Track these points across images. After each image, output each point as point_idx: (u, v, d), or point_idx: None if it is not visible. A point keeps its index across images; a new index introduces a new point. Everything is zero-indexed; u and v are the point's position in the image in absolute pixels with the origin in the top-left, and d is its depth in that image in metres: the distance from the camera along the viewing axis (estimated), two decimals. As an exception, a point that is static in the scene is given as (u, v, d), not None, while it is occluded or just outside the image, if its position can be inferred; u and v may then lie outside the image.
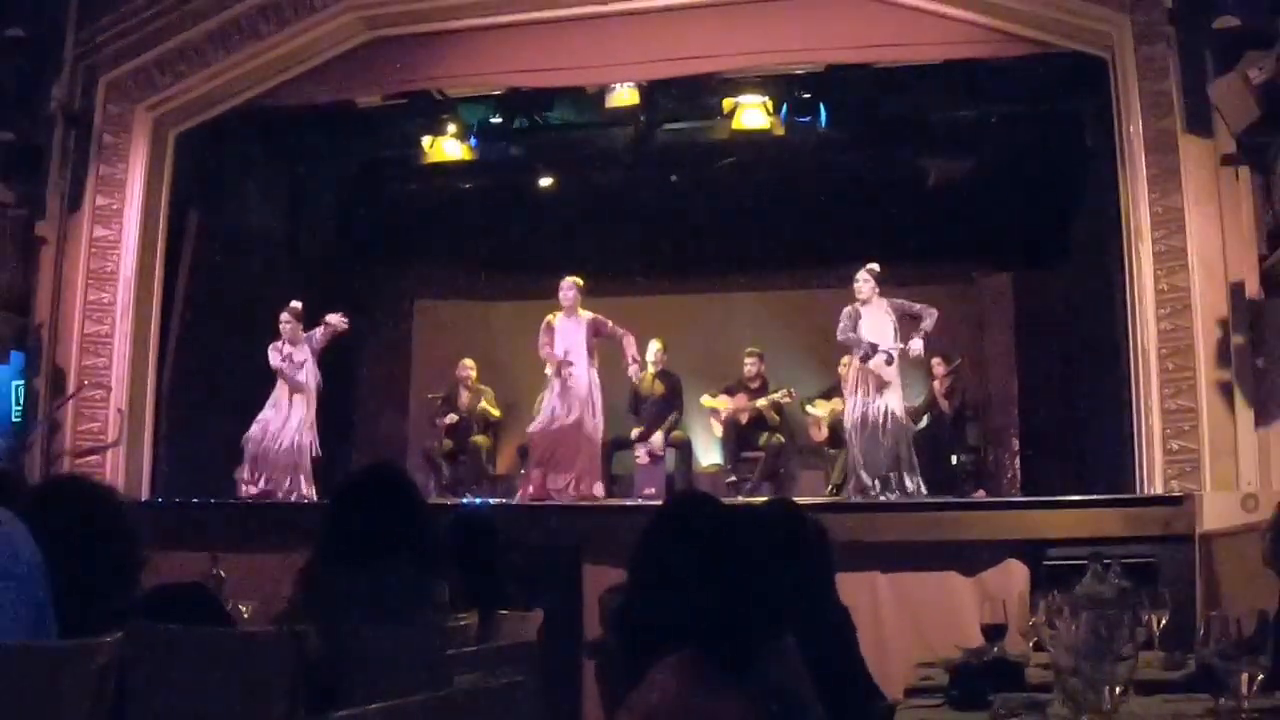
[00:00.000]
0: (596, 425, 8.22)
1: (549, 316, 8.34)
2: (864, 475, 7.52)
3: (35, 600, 2.17)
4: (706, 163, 10.25)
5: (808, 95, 9.16)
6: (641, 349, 9.25)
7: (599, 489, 8.18)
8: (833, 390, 9.23)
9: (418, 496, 3.09)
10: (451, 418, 9.61)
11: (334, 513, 3.02)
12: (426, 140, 9.86)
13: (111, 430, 8.00)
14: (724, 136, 9.72)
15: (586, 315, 8.28)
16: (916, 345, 7.69)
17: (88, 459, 7.86)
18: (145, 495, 8.10)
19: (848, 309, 7.77)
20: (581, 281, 8.40)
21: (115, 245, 8.18)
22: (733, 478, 9.01)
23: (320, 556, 2.94)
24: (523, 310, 10.78)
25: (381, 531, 2.90)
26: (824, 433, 9.14)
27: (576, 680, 5.52)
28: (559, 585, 6.05)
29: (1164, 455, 6.55)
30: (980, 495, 8.60)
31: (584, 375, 8.14)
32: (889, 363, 7.60)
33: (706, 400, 9.48)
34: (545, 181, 10.71)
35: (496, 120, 9.83)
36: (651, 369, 9.21)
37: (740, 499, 7.88)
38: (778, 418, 9.11)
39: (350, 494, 3.09)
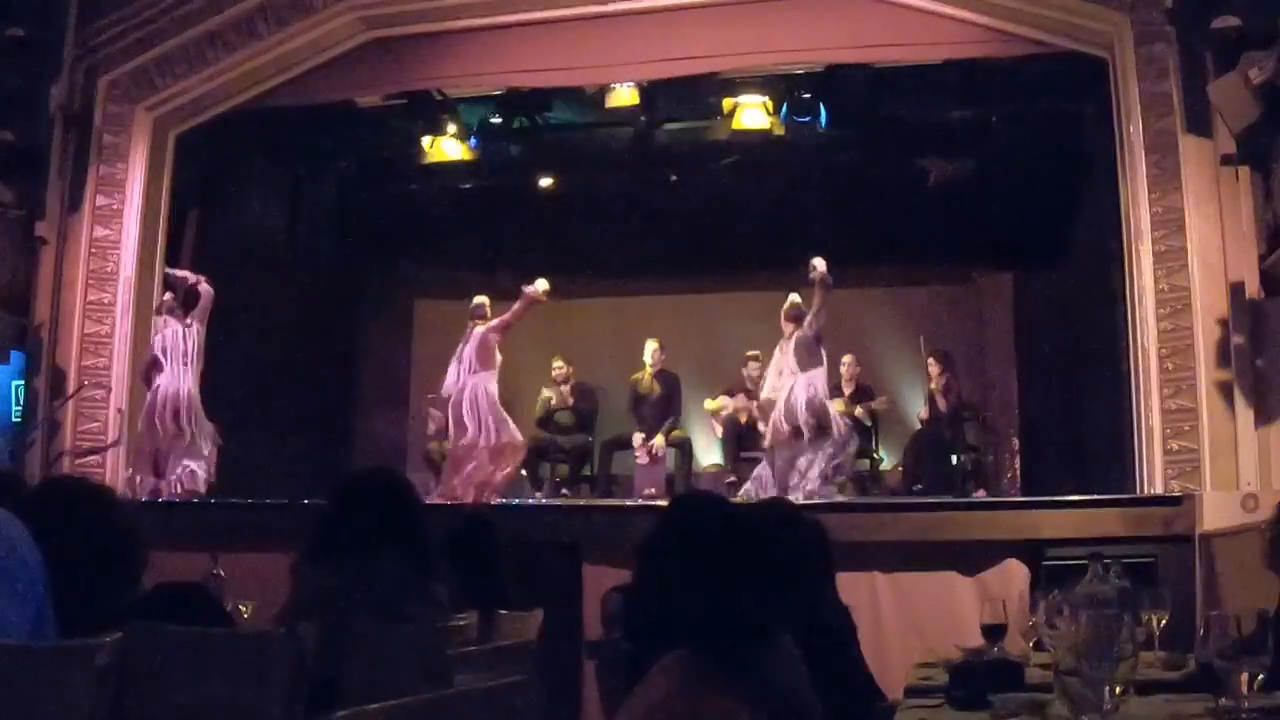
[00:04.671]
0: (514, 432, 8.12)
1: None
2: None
3: (35, 600, 2.17)
4: (706, 163, 10.25)
5: (808, 95, 9.17)
6: (639, 349, 9.26)
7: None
8: (833, 390, 9.24)
9: (413, 497, 3.10)
10: (438, 418, 9.57)
11: (329, 510, 3.04)
12: (426, 140, 9.86)
13: (111, 430, 8.01)
14: (724, 136, 9.72)
15: (479, 329, 8.20)
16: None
17: (88, 459, 7.86)
18: (145, 495, 8.10)
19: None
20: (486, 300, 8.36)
21: (115, 245, 8.18)
22: (733, 478, 9.00)
23: (312, 553, 2.95)
24: (523, 310, 10.79)
25: (374, 529, 2.92)
26: (824, 432, 9.13)
27: (576, 680, 5.52)
28: (559, 585, 6.05)
29: (1164, 455, 6.55)
30: (980, 495, 8.59)
31: (474, 387, 8.05)
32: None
33: (710, 405, 9.47)
34: (545, 181, 10.71)
35: (496, 120, 9.83)
36: (650, 369, 9.21)
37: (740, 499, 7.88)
38: (776, 418, 9.11)
39: (346, 492, 3.10)
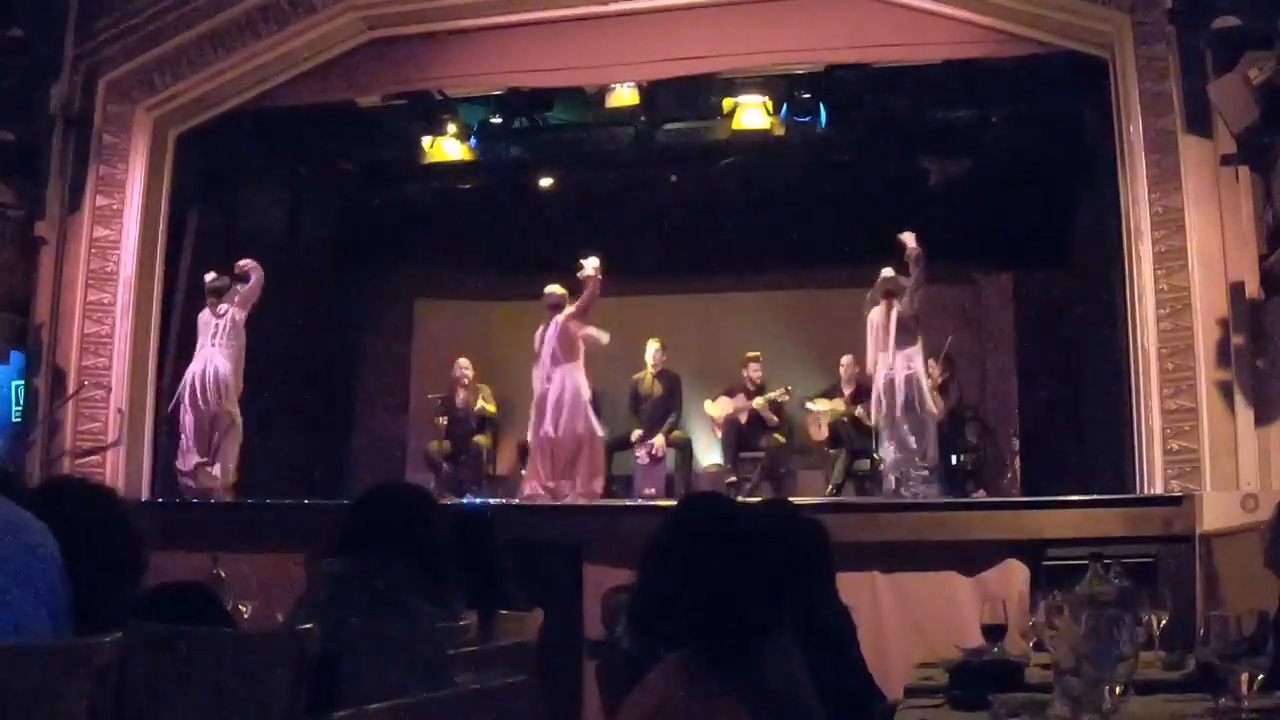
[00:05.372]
0: (592, 427, 8.18)
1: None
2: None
3: (55, 606, 2.17)
4: (706, 163, 10.25)
5: (808, 95, 9.16)
6: (640, 349, 9.26)
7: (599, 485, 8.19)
8: (833, 390, 9.24)
9: (436, 513, 3.21)
10: (442, 420, 9.59)
11: (351, 510, 3.14)
12: (426, 140, 9.86)
13: (111, 430, 8.01)
14: (724, 136, 9.73)
15: (558, 319, 8.23)
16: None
17: (88, 459, 7.86)
18: (145, 495, 8.10)
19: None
20: (560, 289, 8.36)
21: (115, 245, 8.18)
22: (733, 478, 9.01)
23: (328, 550, 3.04)
24: (523, 310, 10.75)
25: (391, 532, 2.99)
26: (824, 432, 9.14)
27: (576, 680, 5.53)
28: (559, 585, 6.06)
29: (1164, 455, 6.56)
30: (980, 495, 8.60)
31: (561, 379, 8.10)
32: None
33: (710, 407, 9.48)
34: (545, 181, 10.71)
35: (496, 120, 9.83)
36: (651, 369, 9.21)
37: (740, 499, 7.88)
38: (775, 418, 9.11)
39: (371, 496, 3.22)
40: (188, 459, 8.03)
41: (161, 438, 8.43)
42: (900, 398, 7.68)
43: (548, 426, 7.99)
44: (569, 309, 8.19)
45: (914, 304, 7.86)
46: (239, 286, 8.28)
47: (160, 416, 8.41)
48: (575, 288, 8.34)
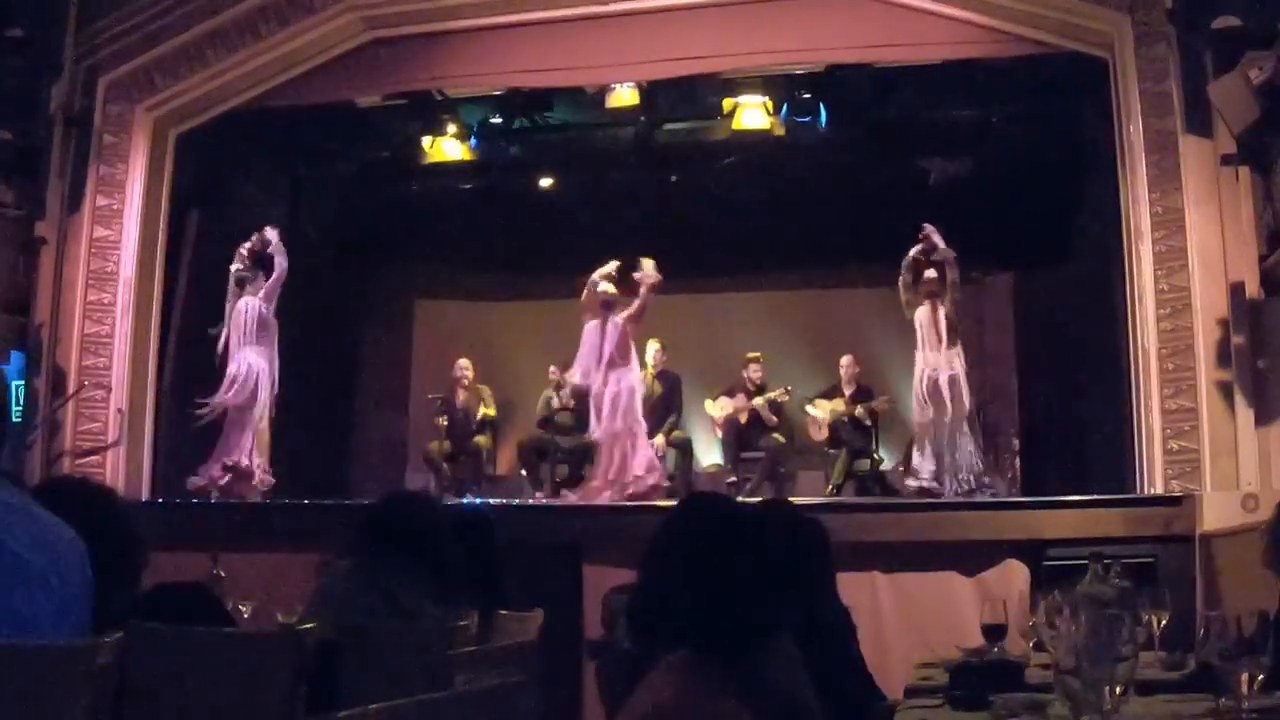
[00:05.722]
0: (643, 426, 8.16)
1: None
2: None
3: (74, 611, 2.16)
4: (706, 163, 10.25)
5: (808, 95, 9.17)
6: (640, 349, 9.26)
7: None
8: (833, 390, 9.24)
9: (440, 511, 3.26)
10: (442, 421, 9.58)
11: (366, 514, 3.21)
12: (426, 140, 9.87)
13: (111, 430, 8.01)
14: (724, 136, 9.73)
15: (616, 320, 8.13)
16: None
17: (88, 459, 7.87)
18: (145, 495, 8.10)
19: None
20: (613, 289, 8.25)
21: (115, 245, 8.18)
22: (733, 478, 9.01)
23: (339, 552, 3.12)
24: (523, 310, 10.79)
25: (402, 537, 3.04)
26: (824, 433, 9.14)
27: (576, 680, 5.53)
28: (559, 585, 6.06)
29: (1164, 455, 6.56)
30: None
31: (618, 381, 8.08)
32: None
33: (710, 407, 9.47)
34: (545, 181, 10.71)
35: (496, 120, 9.83)
36: (651, 369, 9.20)
37: (740, 499, 7.87)
38: (775, 418, 9.11)
39: (386, 503, 3.36)
40: (229, 459, 8.08)
41: (162, 437, 8.44)
42: (947, 397, 7.68)
43: (608, 426, 7.97)
44: (627, 310, 8.13)
45: (954, 305, 7.91)
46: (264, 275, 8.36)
47: (160, 416, 8.42)
48: (571, 289, 8.33)
